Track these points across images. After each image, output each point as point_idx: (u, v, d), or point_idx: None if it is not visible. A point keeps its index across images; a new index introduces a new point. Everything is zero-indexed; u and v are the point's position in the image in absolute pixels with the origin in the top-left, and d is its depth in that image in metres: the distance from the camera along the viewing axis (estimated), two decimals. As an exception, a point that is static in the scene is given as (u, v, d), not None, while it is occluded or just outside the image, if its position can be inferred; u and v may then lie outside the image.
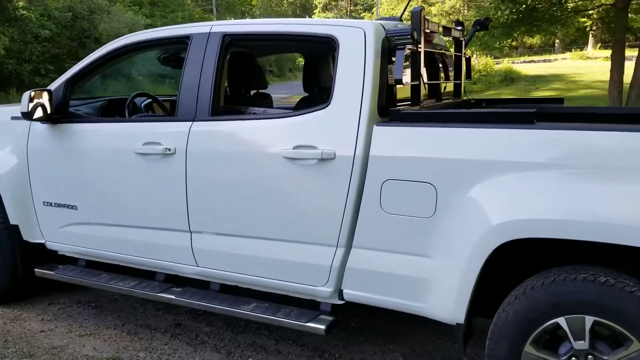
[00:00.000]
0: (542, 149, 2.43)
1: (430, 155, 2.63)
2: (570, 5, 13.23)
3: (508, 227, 2.43)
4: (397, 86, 2.92)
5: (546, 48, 43.90)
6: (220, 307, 3.18)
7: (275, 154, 2.93)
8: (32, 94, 3.39)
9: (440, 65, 3.77)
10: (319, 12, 70.95)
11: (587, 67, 28.44)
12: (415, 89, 3.00)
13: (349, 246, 2.88)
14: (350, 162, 2.77)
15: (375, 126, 2.75)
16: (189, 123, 3.20)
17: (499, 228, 2.44)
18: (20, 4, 20.00)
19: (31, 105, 3.39)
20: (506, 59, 26.54)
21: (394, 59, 2.83)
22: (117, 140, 3.42)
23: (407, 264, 2.73)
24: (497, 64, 26.50)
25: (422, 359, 3.36)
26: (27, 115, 3.41)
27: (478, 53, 24.27)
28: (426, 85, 3.31)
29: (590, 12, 13.36)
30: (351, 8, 66.98)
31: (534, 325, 2.40)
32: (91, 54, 3.65)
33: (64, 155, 3.57)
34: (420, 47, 2.93)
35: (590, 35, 36.63)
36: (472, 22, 3.96)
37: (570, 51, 39.00)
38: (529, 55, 39.56)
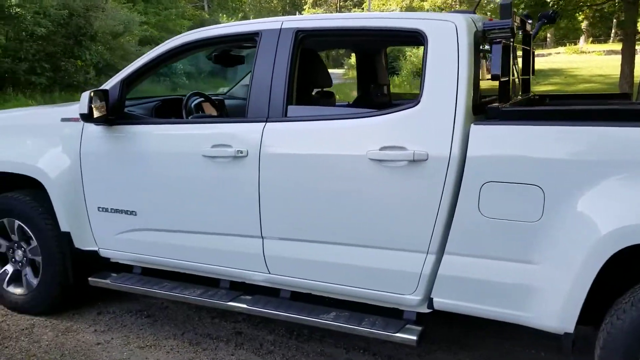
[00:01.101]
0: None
1: (537, 156, 2.49)
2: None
3: (629, 232, 2.30)
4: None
5: (538, 42, 44.07)
6: (299, 317, 3.03)
7: (360, 156, 2.78)
8: (92, 94, 3.22)
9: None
10: (308, 7, 70.77)
11: (582, 61, 28.52)
12: (505, 85, 2.87)
13: (440, 252, 2.74)
14: (445, 164, 2.63)
15: (472, 125, 2.61)
16: (262, 124, 3.04)
17: (619, 232, 2.31)
18: (14, 1, 19.63)
19: (91, 106, 3.21)
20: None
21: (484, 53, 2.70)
22: (183, 143, 3.26)
23: (508, 271, 2.60)
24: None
25: (502, 367, 3.24)
26: (88, 117, 3.24)
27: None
28: (517, 81, 3.18)
29: (598, 6, 13.30)
30: (341, 4, 66.87)
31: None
32: (149, 52, 3.48)
33: (122, 158, 3.40)
34: (512, 42, 2.80)
35: (583, 29, 36.79)
36: (538, 15, 3.82)
37: (563, 45, 39.17)
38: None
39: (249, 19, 48.55)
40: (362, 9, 56.54)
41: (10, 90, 19.86)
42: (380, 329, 2.86)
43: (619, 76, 12.14)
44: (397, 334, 2.82)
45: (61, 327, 3.70)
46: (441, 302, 2.79)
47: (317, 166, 2.91)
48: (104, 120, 3.35)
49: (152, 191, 3.34)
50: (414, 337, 2.79)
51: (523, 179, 2.50)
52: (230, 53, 4.19)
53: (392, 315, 2.98)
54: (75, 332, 3.65)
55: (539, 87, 21.93)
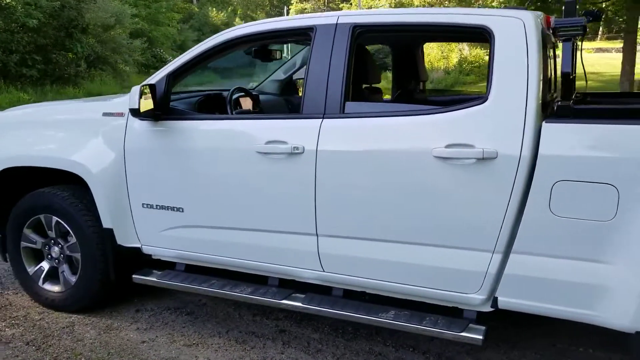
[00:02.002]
0: None
1: (612, 155, 2.48)
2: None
3: None
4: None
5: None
6: (359, 316, 3.01)
7: (424, 153, 2.76)
8: (143, 88, 3.16)
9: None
10: (296, 2, 70.52)
11: (592, 57, 28.64)
12: (570, 83, 2.85)
13: (507, 251, 2.72)
14: (516, 162, 2.61)
15: (544, 123, 2.59)
16: (318, 120, 3.00)
17: None
18: (4, -9, 19.33)
19: (141, 101, 3.15)
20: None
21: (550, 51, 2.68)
22: (235, 139, 3.21)
23: (578, 270, 2.59)
24: (487, 54, 26.51)
25: (555, 365, 3.24)
26: (138, 112, 3.17)
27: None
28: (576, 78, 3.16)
29: (597, 4, 13.38)
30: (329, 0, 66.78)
31: None
32: (196, 46, 3.42)
33: (170, 154, 3.34)
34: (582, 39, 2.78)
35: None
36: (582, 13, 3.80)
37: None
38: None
39: (238, 13, 48.21)
40: (351, 4, 56.34)
41: (1, 82, 19.55)
42: (444, 328, 2.84)
43: (610, 74, 12.26)
44: (463, 334, 2.80)
45: (102, 325, 3.64)
46: (506, 301, 2.77)
47: (378, 163, 2.88)
48: (152, 116, 3.28)
49: (201, 187, 3.29)
50: (480, 337, 2.77)
51: (596, 178, 2.49)
52: (269, 48, 4.13)
53: (449, 314, 2.97)
54: (117, 330, 3.59)
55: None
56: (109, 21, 24.47)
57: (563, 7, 2.81)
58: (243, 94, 3.97)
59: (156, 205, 3.43)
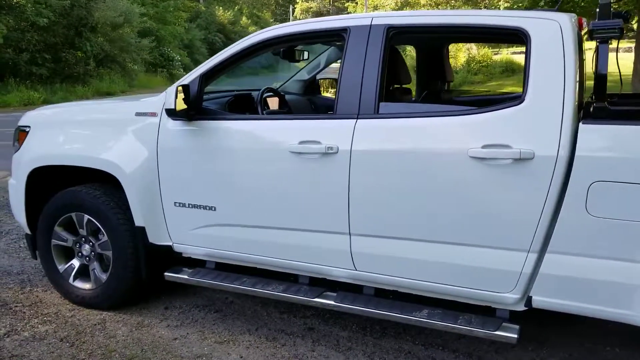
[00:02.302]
0: None
1: (650, 156, 2.50)
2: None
3: None
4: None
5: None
6: (393, 314, 3.04)
7: (460, 154, 2.79)
8: (180, 88, 3.20)
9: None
10: (302, 1, 70.49)
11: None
12: (604, 85, 2.87)
13: (542, 251, 2.75)
14: (552, 163, 2.63)
15: (581, 124, 2.62)
16: (353, 120, 3.03)
17: None
18: (14, -10, 19.43)
19: (177, 101, 3.19)
20: (505, 50, 26.50)
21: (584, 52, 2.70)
22: (268, 139, 3.25)
23: (615, 270, 2.62)
24: (495, 54, 26.50)
25: (585, 364, 3.27)
26: (174, 112, 3.22)
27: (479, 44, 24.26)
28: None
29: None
30: (334, -1, 66.75)
31: None
32: (229, 47, 3.46)
33: (202, 154, 3.38)
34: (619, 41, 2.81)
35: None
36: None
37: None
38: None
39: (243, 12, 48.23)
40: (356, 3, 56.25)
41: (11, 80, 19.66)
42: (479, 327, 2.87)
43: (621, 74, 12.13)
44: (498, 332, 2.83)
45: (133, 322, 3.68)
46: (541, 300, 2.80)
47: (413, 163, 2.91)
48: (186, 115, 3.32)
49: (234, 187, 3.33)
50: (515, 335, 2.80)
51: (634, 179, 2.51)
52: (296, 49, 4.16)
53: (480, 312, 3.00)
54: (148, 327, 3.63)
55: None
56: (117, 20, 24.58)
57: (597, 9, 2.83)
58: (272, 94, 4.00)
59: (188, 204, 3.47)
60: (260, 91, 3.85)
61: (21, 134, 3.98)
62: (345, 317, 3.75)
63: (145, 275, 3.67)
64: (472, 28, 3.00)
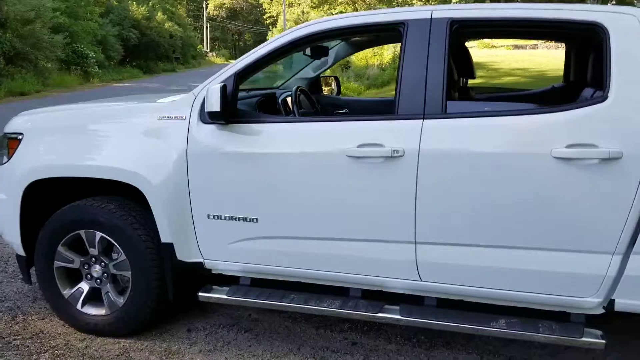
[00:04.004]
0: None
1: None
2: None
3: None
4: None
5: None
6: (472, 327, 2.87)
7: (542, 155, 2.66)
8: (223, 87, 2.87)
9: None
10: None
11: (496, 55, 29.81)
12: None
13: (627, 253, 2.67)
14: None
15: (671, 122, 2.56)
16: (419, 121, 2.84)
17: None
18: None
19: (220, 102, 2.86)
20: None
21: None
22: (321, 143, 2.98)
23: None
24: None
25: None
26: (219, 115, 2.90)
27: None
28: None
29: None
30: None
31: None
32: (267, 43, 3.15)
33: (243, 160, 3.07)
34: None
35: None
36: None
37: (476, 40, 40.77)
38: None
39: (155, 8, 46.58)
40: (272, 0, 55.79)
41: None
42: (563, 334, 2.76)
43: (536, 70, 12.67)
44: (585, 339, 2.73)
45: (159, 350, 3.31)
46: (624, 303, 2.73)
47: (487, 166, 2.75)
48: (224, 118, 2.99)
49: (281, 196, 3.04)
50: (603, 341, 2.71)
51: None
52: (321, 45, 3.89)
53: (553, 318, 2.90)
54: (179, 354, 3.27)
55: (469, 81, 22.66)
56: (28, 15, 22.95)
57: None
58: (289, 93, 3.72)
59: (225, 216, 3.14)
60: (294, 90, 3.57)
61: (11, 142, 3.48)
62: (385, 329, 3.56)
63: (173, 296, 3.30)
64: (543, 22, 2.87)
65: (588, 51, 3.38)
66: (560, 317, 2.90)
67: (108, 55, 34.47)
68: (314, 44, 3.31)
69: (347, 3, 48.96)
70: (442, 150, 2.80)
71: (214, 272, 3.33)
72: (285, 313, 3.73)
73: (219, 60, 71.15)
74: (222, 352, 3.29)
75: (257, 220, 3.10)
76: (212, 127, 3.10)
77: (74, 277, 3.48)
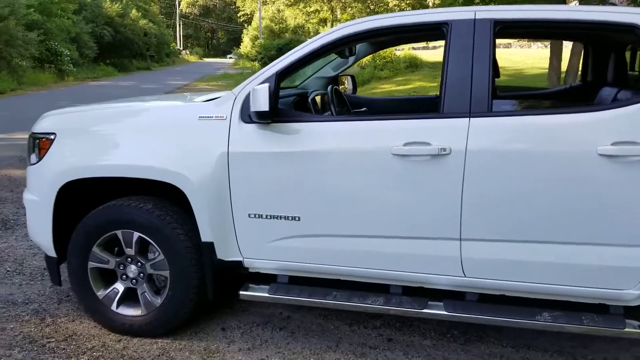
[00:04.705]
0: None
1: None
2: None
3: None
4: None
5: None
6: (518, 321, 2.94)
7: (588, 152, 2.74)
8: (269, 87, 2.88)
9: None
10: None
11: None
12: None
13: (667, 245, 2.77)
14: None
15: None
16: (465, 119, 2.89)
17: None
18: None
19: (268, 102, 2.88)
20: (406, 46, 27.24)
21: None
22: (366, 141, 3.01)
23: None
24: (397, 50, 27.17)
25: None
26: (267, 115, 2.91)
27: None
28: None
29: None
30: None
31: None
32: (309, 42, 3.16)
33: (286, 159, 3.08)
34: None
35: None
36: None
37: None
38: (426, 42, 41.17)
39: (128, 5, 45.95)
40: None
41: None
42: (607, 325, 2.85)
43: (509, 69, 12.92)
44: (628, 329, 2.82)
45: (199, 349, 3.30)
46: (663, 294, 2.82)
47: (534, 163, 2.81)
48: (269, 118, 3.01)
49: (324, 194, 3.07)
50: None
51: None
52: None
53: (592, 310, 2.98)
54: (219, 352, 3.27)
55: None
56: (2, 11, 22.48)
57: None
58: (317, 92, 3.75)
59: (267, 214, 3.15)
60: (330, 90, 3.59)
61: (43, 142, 3.43)
62: (417, 324, 3.61)
63: (212, 295, 3.30)
64: (584, 23, 2.95)
65: (610, 52, 3.49)
66: (598, 309, 2.98)
67: (82, 53, 33.95)
68: (356, 44, 3.34)
69: (322, 1, 49.02)
70: (489, 148, 2.86)
71: (251, 270, 3.34)
72: (316, 310, 3.76)
73: (192, 59, 70.64)
74: (261, 350, 3.30)
75: (299, 219, 3.12)
76: (253, 126, 3.11)
77: (108, 277, 3.45)
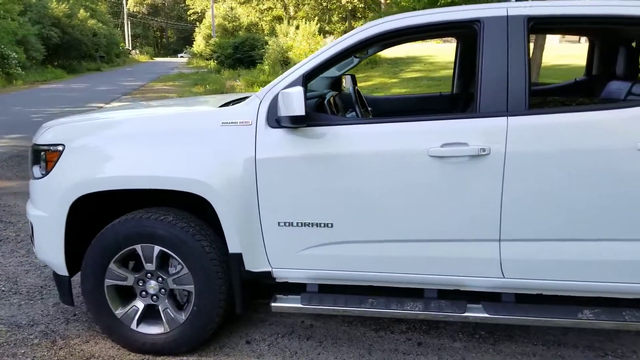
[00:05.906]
0: None
1: None
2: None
3: None
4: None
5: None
6: (563, 320, 2.92)
7: (629, 148, 2.73)
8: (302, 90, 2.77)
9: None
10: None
11: (429, 49, 30.44)
12: None
13: None
14: None
15: None
16: (503, 119, 2.84)
17: None
18: None
19: (302, 107, 2.76)
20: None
21: None
22: (401, 143, 2.93)
23: None
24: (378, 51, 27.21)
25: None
26: (302, 120, 2.79)
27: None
28: None
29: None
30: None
31: None
32: (336, 43, 3.05)
33: (316, 164, 2.97)
34: None
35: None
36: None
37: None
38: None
39: (74, 4, 44.59)
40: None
41: None
42: (643, 320, 2.86)
43: None
44: (672, 324, 2.83)
45: (228, 365, 3.17)
46: (703, 288, 2.84)
47: (576, 161, 2.79)
48: (298, 122, 2.89)
49: (357, 199, 2.97)
50: None
51: None
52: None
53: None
54: (252, 368, 3.15)
55: (405, 75, 23.07)
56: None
57: None
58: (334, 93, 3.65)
59: (297, 222, 3.04)
60: (353, 91, 3.48)
61: (49, 154, 3.21)
62: (443, 326, 3.57)
63: (241, 308, 3.16)
64: (620, 18, 2.93)
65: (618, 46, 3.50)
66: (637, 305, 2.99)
67: (29, 55, 32.77)
68: (384, 43, 3.25)
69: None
70: (529, 147, 2.81)
71: (278, 280, 3.21)
72: (338, 317, 3.67)
73: (143, 58, 69.08)
74: (294, 363, 3.19)
75: (331, 225, 3.02)
76: (280, 131, 2.98)
77: (125, 295, 3.27)
